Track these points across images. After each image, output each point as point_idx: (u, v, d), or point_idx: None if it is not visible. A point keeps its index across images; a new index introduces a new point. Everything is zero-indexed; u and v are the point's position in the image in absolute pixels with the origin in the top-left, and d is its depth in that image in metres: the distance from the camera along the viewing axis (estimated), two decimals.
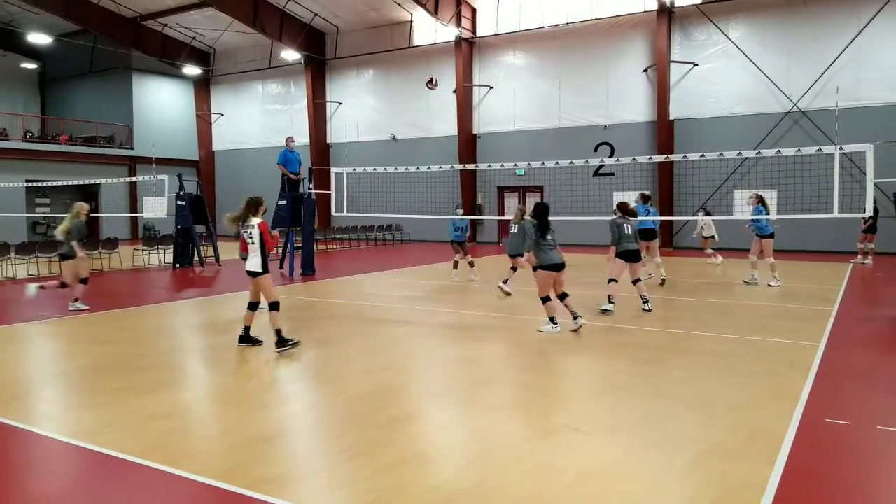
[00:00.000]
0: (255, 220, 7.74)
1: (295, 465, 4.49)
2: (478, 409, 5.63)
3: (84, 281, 10.81)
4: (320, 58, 29.52)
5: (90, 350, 7.98)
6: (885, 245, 18.12)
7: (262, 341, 7.89)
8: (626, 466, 4.36)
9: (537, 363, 7.34)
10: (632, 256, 10.21)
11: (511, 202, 25.96)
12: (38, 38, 27.03)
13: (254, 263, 7.71)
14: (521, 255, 11.13)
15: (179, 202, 17.77)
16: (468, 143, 26.05)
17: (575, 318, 8.47)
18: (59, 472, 4.47)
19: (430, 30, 26.61)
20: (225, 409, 5.79)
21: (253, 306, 7.93)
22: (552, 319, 8.56)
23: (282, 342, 7.57)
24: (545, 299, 8.57)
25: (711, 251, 16.43)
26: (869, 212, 11.64)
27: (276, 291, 7.83)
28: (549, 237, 8.66)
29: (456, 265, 14.33)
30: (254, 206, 7.86)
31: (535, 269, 8.92)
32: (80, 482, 4.34)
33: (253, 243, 7.70)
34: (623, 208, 10.67)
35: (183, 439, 4.92)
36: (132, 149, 31.40)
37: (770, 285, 12.89)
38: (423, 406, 5.91)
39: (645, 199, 13.58)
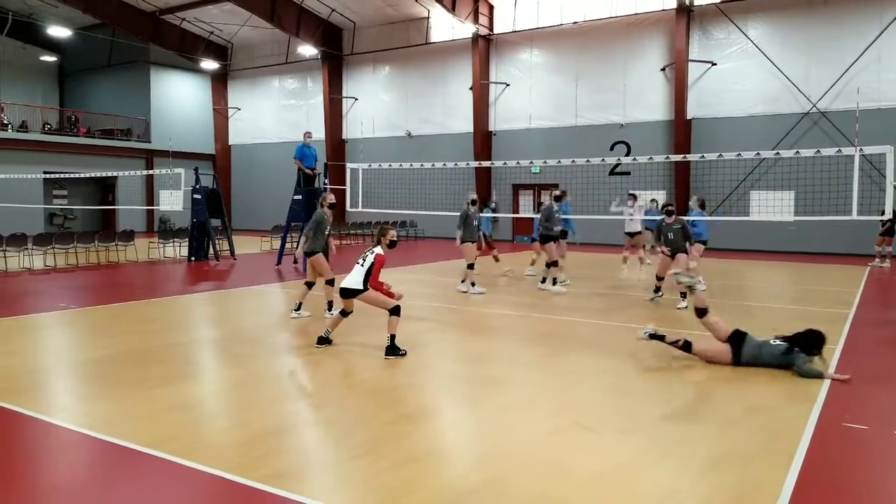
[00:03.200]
0: (377, 249, 7.44)
1: (306, 461, 4.50)
2: (489, 407, 5.61)
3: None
4: (337, 53, 29.56)
5: (105, 342, 8.04)
6: None
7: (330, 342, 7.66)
8: (640, 467, 4.33)
9: (550, 361, 7.30)
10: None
11: (525, 199, 25.90)
12: (58, 32, 27.26)
13: (354, 281, 7.28)
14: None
15: (195, 196, 17.87)
16: (484, 141, 26.00)
17: None
18: (73, 461, 4.51)
19: (447, 26, 26.55)
20: (238, 402, 5.81)
21: (337, 309, 7.71)
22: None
23: (393, 350, 7.19)
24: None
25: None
26: (888, 214, 11.50)
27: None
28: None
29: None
30: (381, 234, 7.63)
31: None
32: (92, 472, 4.37)
33: (361, 266, 7.33)
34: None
35: (195, 431, 4.95)
36: (149, 142, 31.60)
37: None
38: (434, 403, 5.91)
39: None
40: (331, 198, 9.89)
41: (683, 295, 10.47)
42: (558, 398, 5.91)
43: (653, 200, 16.69)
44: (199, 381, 6.50)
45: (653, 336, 7.15)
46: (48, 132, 29.89)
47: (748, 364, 6.70)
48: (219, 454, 4.46)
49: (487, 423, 5.24)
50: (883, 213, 12.52)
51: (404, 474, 4.17)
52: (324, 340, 7.66)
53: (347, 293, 7.34)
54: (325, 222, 9.60)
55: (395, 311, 7.27)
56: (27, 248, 15.92)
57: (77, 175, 23.96)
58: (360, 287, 7.25)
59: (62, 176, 24.36)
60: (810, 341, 6.64)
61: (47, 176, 25.26)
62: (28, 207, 25.13)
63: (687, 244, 10.83)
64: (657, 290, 11.12)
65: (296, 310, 9.49)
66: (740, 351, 6.74)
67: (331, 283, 9.49)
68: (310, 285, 9.57)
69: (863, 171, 13.12)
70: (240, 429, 5.01)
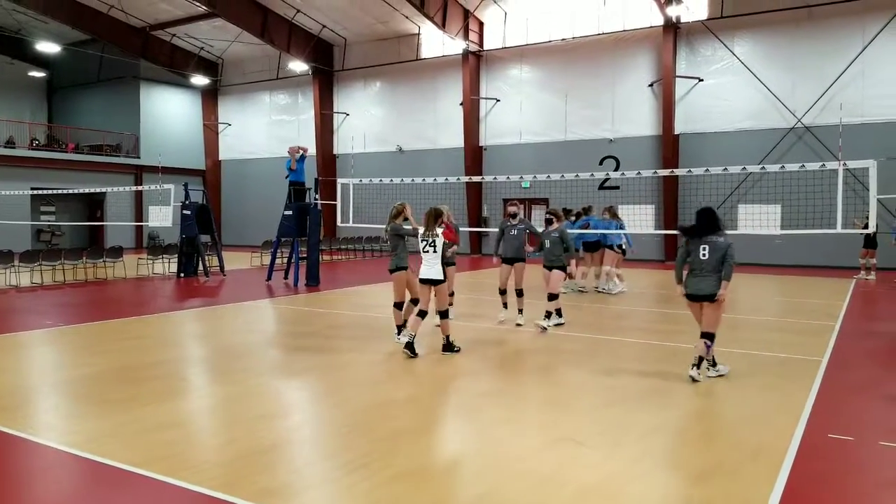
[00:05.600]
0: (439, 230, 8.05)
1: (297, 477, 4.49)
2: (480, 422, 5.62)
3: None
4: (328, 69, 29.68)
5: (93, 359, 7.99)
6: (887, 261, 18.03)
7: (416, 355, 7.82)
8: (629, 481, 4.35)
9: (539, 376, 7.33)
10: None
11: None
12: (47, 47, 27.24)
13: (436, 272, 7.95)
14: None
15: (185, 211, 17.84)
16: (474, 156, 26.12)
17: (714, 365, 7.01)
18: (60, 481, 4.48)
19: (437, 42, 26.75)
20: (227, 419, 5.79)
21: (423, 314, 8.11)
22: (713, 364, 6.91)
23: (449, 347, 8.05)
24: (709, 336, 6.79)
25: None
26: (872, 227, 11.64)
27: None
28: (703, 253, 6.74)
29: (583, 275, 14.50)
30: (437, 217, 8.11)
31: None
32: (80, 492, 4.35)
33: (436, 252, 7.93)
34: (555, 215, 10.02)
35: (185, 450, 4.92)
36: (138, 158, 31.53)
37: (611, 291, 13.74)
38: (425, 418, 5.91)
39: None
40: (408, 211, 8.99)
41: (548, 315, 9.64)
42: (550, 412, 5.93)
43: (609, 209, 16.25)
44: (188, 399, 6.48)
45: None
46: (36, 148, 29.78)
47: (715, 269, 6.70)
48: (208, 472, 4.44)
49: (480, 437, 5.25)
50: (866, 227, 12.66)
51: (397, 489, 4.18)
52: (410, 346, 7.91)
53: (428, 282, 8.01)
54: (402, 232, 8.75)
55: (445, 314, 8.08)
56: (14, 265, 15.82)
57: (65, 191, 23.85)
58: (441, 277, 7.98)
59: (50, 192, 24.26)
60: (705, 218, 6.79)
61: (35, 192, 25.15)
62: (15, 224, 24.98)
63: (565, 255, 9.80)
64: (548, 314, 9.72)
65: (405, 338, 8.52)
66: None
67: (399, 307, 8.83)
68: (415, 304, 8.59)
69: (847, 184, 13.31)
70: (230, 446, 5.00)
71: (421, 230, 8.17)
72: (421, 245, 8.10)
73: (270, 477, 4.38)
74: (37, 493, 4.23)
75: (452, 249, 9.42)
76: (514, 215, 10.42)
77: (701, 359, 6.71)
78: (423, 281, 8.04)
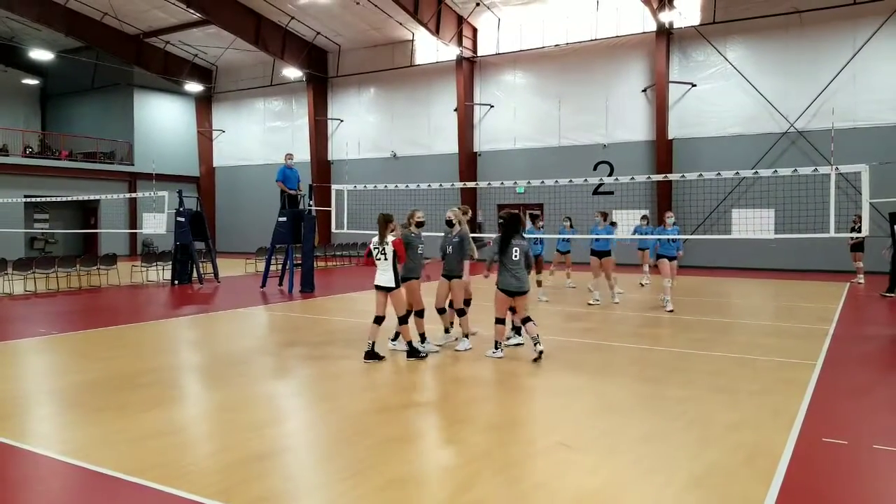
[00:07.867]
0: (389, 238, 7.95)
1: (291, 484, 4.48)
2: (473, 429, 5.61)
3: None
4: (322, 75, 29.72)
5: (86, 367, 7.96)
6: (877, 265, 18.08)
7: (384, 357, 8.13)
8: (624, 486, 4.35)
9: (533, 382, 7.32)
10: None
11: None
12: (40, 55, 27.20)
13: (387, 279, 7.96)
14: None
15: (179, 218, 17.80)
16: (469, 161, 26.16)
17: (535, 344, 7.94)
18: (53, 490, 4.45)
19: (431, 49, 26.82)
20: (221, 427, 5.77)
21: (378, 320, 8.07)
22: (479, 338, 8.44)
23: (413, 353, 8.11)
24: (499, 320, 8.20)
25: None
26: (866, 231, 11.68)
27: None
28: (515, 255, 8.00)
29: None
30: (385, 223, 7.99)
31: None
32: (73, 501, 4.32)
33: (386, 259, 7.92)
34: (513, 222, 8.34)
35: (178, 457, 4.90)
36: (132, 165, 31.48)
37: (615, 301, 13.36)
38: (418, 425, 5.90)
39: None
40: (419, 215, 8.81)
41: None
42: (541, 418, 5.93)
43: (644, 217, 16.73)
44: (183, 406, 6.45)
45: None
46: (29, 155, 29.70)
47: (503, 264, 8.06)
48: (203, 480, 4.43)
49: (472, 444, 5.24)
50: (859, 230, 12.71)
51: (390, 496, 4.17)
52: (373, 355, 8.00)
53: (382, 288, 8.01)
54: (414, 243, 8.54)
55: (404, 319, 8.09)
56: (7, 273, 15.75)
57: (59, 199, 23.79)
58: (393, 284, 7.94)
59: (43, 199, 24.20)
60: (515, 223, 8.14)
61: (28, 200, 25.07)
62: (8, 232, 24.88)
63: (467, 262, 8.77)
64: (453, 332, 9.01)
65: (392, 339, 8.74)
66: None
67: (420, 314, 8.55)
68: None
69: (840, 188, 13.36)
70: (224, 454, 4.98)
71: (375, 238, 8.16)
72: (374, 252, 8.01)
73: (264, 484, 4.36)
74: (30, 501, 4.20)
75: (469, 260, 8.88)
76: (449, 222, 8.98)
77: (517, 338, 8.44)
78: (377, 287, 8.03)
